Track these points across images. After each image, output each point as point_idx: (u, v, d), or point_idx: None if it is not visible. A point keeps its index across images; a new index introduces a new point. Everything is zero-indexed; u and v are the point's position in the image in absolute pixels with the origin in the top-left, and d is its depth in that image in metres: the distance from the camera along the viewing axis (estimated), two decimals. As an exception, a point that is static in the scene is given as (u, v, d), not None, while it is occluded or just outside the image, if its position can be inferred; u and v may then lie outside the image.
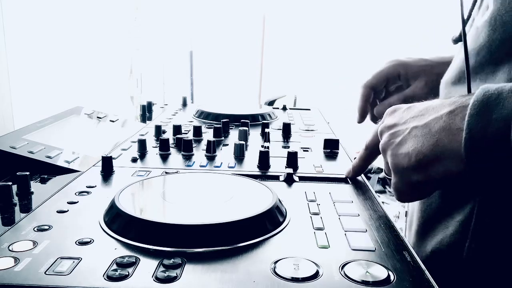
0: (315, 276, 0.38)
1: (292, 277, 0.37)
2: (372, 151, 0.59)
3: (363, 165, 0.62)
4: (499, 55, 0.51)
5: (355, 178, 0.64)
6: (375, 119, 0.84)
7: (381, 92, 0.81)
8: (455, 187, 0.55)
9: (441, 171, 0.44)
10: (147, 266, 0.39)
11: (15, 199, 0.53)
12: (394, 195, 0.51)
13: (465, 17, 0.62)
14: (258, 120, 0.98)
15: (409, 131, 0.47)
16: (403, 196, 0.50)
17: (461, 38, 0.63)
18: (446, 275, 0.54)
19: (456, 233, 0.55)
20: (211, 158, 0.73)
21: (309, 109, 1.19)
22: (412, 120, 0.48)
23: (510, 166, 0.40)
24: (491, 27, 0.52)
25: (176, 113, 1.11)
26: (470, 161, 0.41)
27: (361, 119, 0.80)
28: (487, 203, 0.53)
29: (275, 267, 0.39)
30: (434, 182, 0.46)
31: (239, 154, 0.74)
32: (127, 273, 0.37)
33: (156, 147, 0.77)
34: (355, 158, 0.68)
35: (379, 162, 0.63)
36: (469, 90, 0.52)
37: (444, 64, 0.74)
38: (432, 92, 0.75)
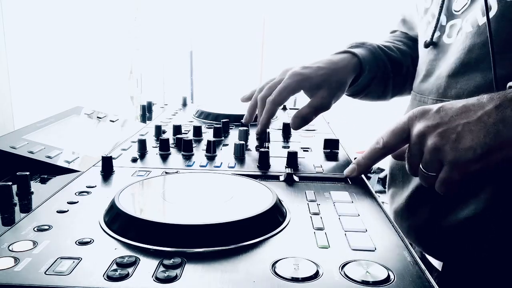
0: (315, 276, 0.38)
1: (292, 277, 0.37)
2: (388, 150, 0.60)
3: (371, 164, 0.63)
4: (505, 46, 0.57)
5: (355, 178, 0.64)
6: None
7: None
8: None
9: (500, 159, 0.50)
10: (147, 266, 0.39)
11: (15, 199, 0.53)
12: (441, 188, 0.55)
13: (434, 25, 0.71)
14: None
15: (462, 127, 0.51)
16: (455, 188, 0.54)
17: (432, 43, 0.72)
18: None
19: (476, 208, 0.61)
20: (211, 158, 0.73)
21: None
22: (458, 118, 0.52)
23: None
24: (498, 23, 0.58)
25: (176, 113, 1.11)
26: None
27: (262, 133, 0.83)
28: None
29: (275, 267, 0.39)
30: (490, 170, 0.52)
31: (239, 154, 0.74)
32: (127, 273, 0.37)
33: (156, 147, 0.77)
34: (355, 158, 0.68)
35: (379, 163, 0.63)
36: (495, 75, 0.57)
37: (337, 70, 0.80)
38: (334, 97, 0.80)
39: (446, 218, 0.65)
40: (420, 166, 0.56)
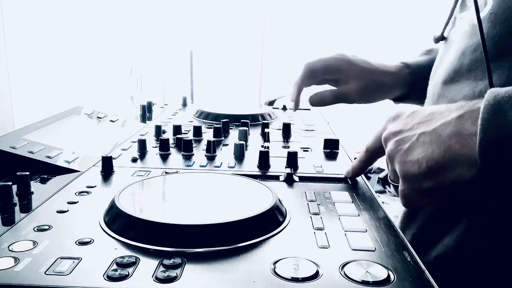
0: (315, 276, 0.38)
1: (292, 277, 0.37)
2: (372, 154, 0.58)
3: (362, 167, 0.62)
4: (498, 52, 0.50)
5: (355, 178, 0.64)
6: (297, 106, 0.83)
7: (316, 79, 0.80)
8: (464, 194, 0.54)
9: (453, 177, 0.43)
10: (147, 266, 0.39)
11: (15, 199, 0.53)
12: (401, 201, 0.50)
13: (448, 16, 0.63)
14: (258, 120, 0.98)
15: (417, 138, 0.46)
16: (411, 203, 0.49)
17: (443, 37, 0.64)
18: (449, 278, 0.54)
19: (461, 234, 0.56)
20: (211, 158, 0.73)
21: (309, 109, 1.19)
22: (418, 126, 0.47)
23: None
24: (491, 23, 0.51)
25: (176, 113, 1.11)
26: (484, 165, 0.40)
27: (298, 97, 0.80)
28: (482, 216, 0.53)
29: (275, 267, 0.39)
30: (445, 188, 0.45)
31: (239, 154, 0.74)
32: (127, 273, 0.37)
33: (156, 147, 0.77)
34: (355, 158, 0.68)
35: (379, 163, 0.63)
36: (490, 82, 0.49)
37: (384, 73, 0.76)
38: (363, 96, 0.77)
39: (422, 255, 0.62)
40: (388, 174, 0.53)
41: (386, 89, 0.78)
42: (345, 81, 0.78)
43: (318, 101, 0.78)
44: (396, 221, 0.66)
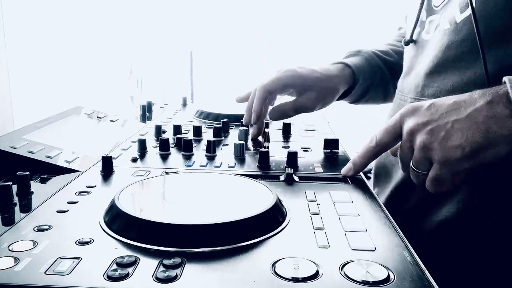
0: (315, 276, 0.38)
1: (292, 277, 0.37)
2: (382, 148, 0.60)
3: (366, 163, 0.63)
4: (483, 46, 0.55)
5: (355, 178, 0.64)
6: (259, 133, 0.85)
7: (274, 97, 0.85)
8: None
9: (491, 156, 0.49)
10: (147, 266, 0.39)
11: (15, 199, 0.53)
12: (432, 187, 0.54)
13: (414, 21, 0.70)
14: (258, 120, 0.98)
15: (451, 125, 0.50)
16: (445, 185, 0.53)
17: (412, 40, 0.71)
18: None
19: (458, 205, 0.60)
20: (211, 158, 0.73)
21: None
22: (448, 115, 0.51)
23: None
24: (477, 20, 0.56)
25: (176, 113, 1.11)
26: None
27: (257, 120, 0.82)
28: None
29: (275, 267, 0.39)
30: (481, 167, 0.50)
31: (239, 154, 0.74)
32: (127, 273, 0.37)
33: (156, 147, 0.77)
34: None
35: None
36: (486, 70, 0.55)
37: (330, 77, 0.82)
38: (319, 103, 0.81)
39: (424, 218, 0.65)
40: (411, 163, 0.55)
41: (336, 91, 0.83)
42: (298, 93, 0.81)
43: (279, 114, 0.81)
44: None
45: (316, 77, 0.80)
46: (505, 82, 0.49)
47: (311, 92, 0.80)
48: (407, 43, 0.72)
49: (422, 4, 0.68)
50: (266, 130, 0.85)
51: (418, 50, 0.70)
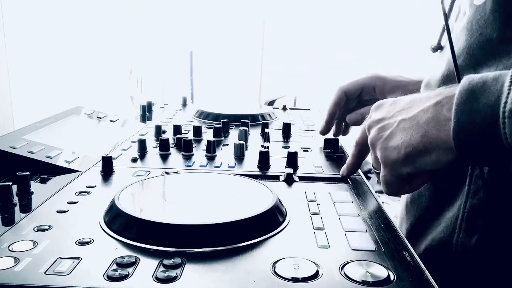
0: (315, 276, 0.38)
1: (292, 277, 0.37)
2: (362, 147, 0.59)
3: (355, 162, 0.63)
4: (477, 58, 0.52)
5: (355, 178, 0.64)
6: (338, 133, 0.85)
7: (353, 101, 0.82)
8: (445, 181, 0.55)
9: (430, 162, 0.44)
10: (147, 266, 0.39)
11: (15, 199, 0.53)
12: (383, 187, 0.52)
13: (442, 26, 0.63)
14: (258, 120, 0.98)
15: (397, 124, 0.48)
16: (392, 189, 0.51)
17: (440, 47, 0.66)
18: (439, 271, 0.55)
19: (446, 229, 0.56)
20: (211, 158, 0.73)
21: (309, 109, 1.19)
22: (399, 114, 0.48)
23: (498, 153, 0.40)
24: (468, 32, 0.53)
25: (176, 113, 1.11)
26: (459, 150, 0.41)
27: (329, 120, 0.80)
28: (477, 197, 0.53)
29: (275, 267, 0.39)
30: (424, 174, 0.47)
31: (239, 154, 0.74)
32: (127, 273, 0.37)
33: (156, 147, 0.77)
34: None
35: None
36: (456, 68, 0.52)
37: (418, 83, 0.77)
38: None
39: (424, 229, 0.62)
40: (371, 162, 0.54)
41: None
42: (382, 97, 0.77)
43: (357, 118, 0.79)
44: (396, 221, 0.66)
45: (399, 80, 0.77)
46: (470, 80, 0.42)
47: (394, 96, 0.77)
48: (434, 50, 0.67)
49: (451, 7, 0.62)
50: (266, 130, 0.85)
51: (441, 57, 0.64)
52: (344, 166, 0.65)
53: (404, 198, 0.68)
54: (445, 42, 0.66)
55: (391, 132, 0.48)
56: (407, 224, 0.65)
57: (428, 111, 0.44)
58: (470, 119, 0.40)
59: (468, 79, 0.42)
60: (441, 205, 0.58)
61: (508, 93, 0.37)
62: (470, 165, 0.47)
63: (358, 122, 0.79)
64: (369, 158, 0.64)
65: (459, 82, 0.48)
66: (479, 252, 0.54)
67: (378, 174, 0.53)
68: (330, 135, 0.87)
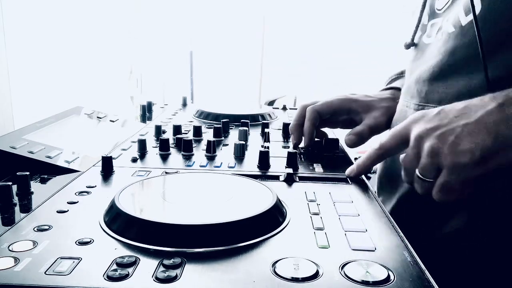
0: (315, 276, 0.38)
1: (292, 277, 0.37)
2: (386, 152, 0.59)
3: (370, 165, 0.62)
4: (489, 51, 0.54)
5: (355, 178, 0.64)
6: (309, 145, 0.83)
7: (324, 121, 0.82)
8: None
9: (501, 162, 0.47)
10: (147, 266, 0.39)
11: (15, 199, 0.53)
12: (438, 194, 0.51)
13: (416, 24, 0.69)
14: (258, 120, 0.98)
15: (461, 129, 0.49)
16: (453, 194, 0.50)
17: (413, 44, 0.70)
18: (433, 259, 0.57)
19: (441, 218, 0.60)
20: (211, 158, 0.73)
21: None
22: (458, 119, 0.49)
23: None
24: (484, 24, 0.54)
25: (176, 113, 1.11)
26: None
27: (309, 142, 0.80)
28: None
29: (275, 267, 0.39)
30: (491, 175, 0.48)
31: (239, 154, 0.74)
32: (127, 273, 0.37)
33: (156, 147, 0.77)
34: (355, 158, 0.68)
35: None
36: (487, 78, 0.54)
37: (383, 100, 0.80)
38: (390, 118, 0.78)
39: (431, 229, 0.63)
40: (417, 171, 0.53)
41: (393, 110, 0.79)
42: (358, 118, 0.80)
43: (357, 139, 0.78)
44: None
45: (369, 99, 0.79)
46: None
47: (375, 111, 0.78)
48: (407, 47, 0.71)
49: (423, 6, 0.67)
50: (266, 130, 0.85)
51: (418, 54, 0.68)
52: (354, 166, 0.64)
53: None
54: (418, 39, 0.70)
55: (457, 137, 0.49)
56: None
57: (493, 113, 0.47)
58: None
59: None
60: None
61: None
62: None
63: (357, 144, 0.79)
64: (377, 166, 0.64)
65: (485, 67, 0.53)
66: (471, 237, 0.57)
67: (424, 181, 0.52)
68: (331, 135, 0.86)
